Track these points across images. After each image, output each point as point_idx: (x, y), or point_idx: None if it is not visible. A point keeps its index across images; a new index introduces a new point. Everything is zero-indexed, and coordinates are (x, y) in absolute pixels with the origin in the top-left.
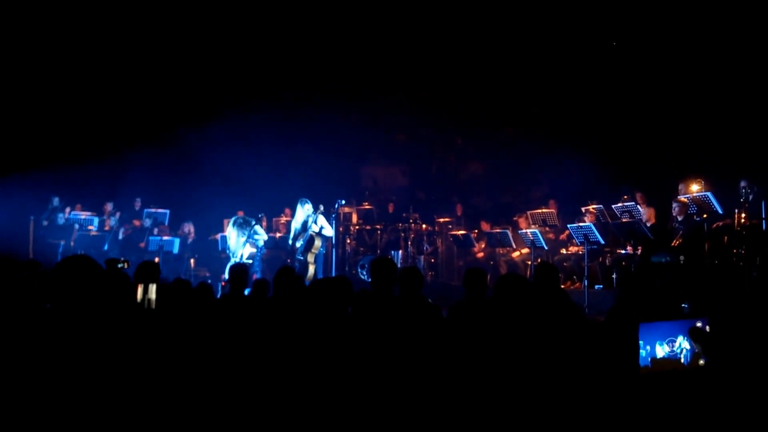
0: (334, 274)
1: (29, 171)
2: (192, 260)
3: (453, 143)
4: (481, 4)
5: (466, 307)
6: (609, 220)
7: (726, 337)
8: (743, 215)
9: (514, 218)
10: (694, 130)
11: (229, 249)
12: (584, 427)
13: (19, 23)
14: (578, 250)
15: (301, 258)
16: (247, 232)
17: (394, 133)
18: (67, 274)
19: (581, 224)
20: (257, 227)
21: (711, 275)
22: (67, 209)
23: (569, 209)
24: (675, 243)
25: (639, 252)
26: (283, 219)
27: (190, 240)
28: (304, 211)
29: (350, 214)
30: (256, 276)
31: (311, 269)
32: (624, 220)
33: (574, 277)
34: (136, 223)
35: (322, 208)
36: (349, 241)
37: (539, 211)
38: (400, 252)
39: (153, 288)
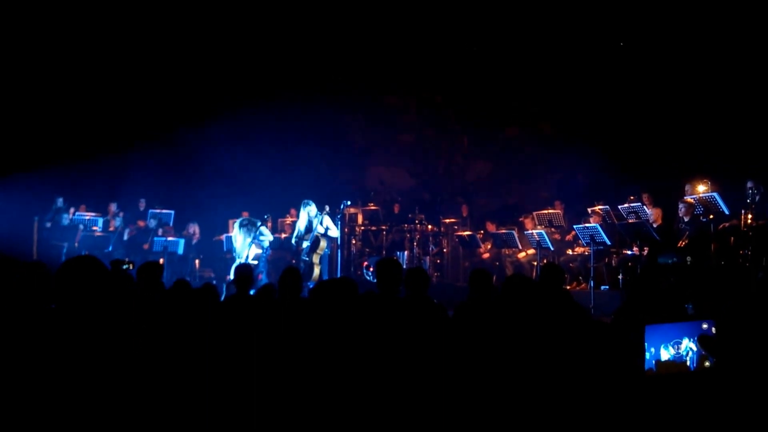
0: (339, 275)
1: (33, 171)
2: (197, 261)
3: (459, 144)
4: (488, 4)
5: (471, 308)
6: (615, 220)
7: (732, 338)
8: (750, 216)
9: (520, 219)
10: (700, 131)
11: (235, 250)
12: (588, 429)
13: (23, 24)
14: (584, 251)
15: (306, 259)
16: (252, 233)
17: (399, 134)
18: (72, 274)
19: (587, 225)
20: (263, 228)
21: (717, 276)
22: (71, 210)
23: (575, 210)
24: (681, 244)
25: (645, 253)
26: (289, 220)
27: (194, 241)
28: (307, 213)
29: (356, 214)
30: (261, 276)
31: (316, 270)
32: (630, 220)
33: (580, 278)
34: (141, 223)
35: (327, 208)
36: (354, 241)
37: (545, 211)
38: (406, 253)
39: None
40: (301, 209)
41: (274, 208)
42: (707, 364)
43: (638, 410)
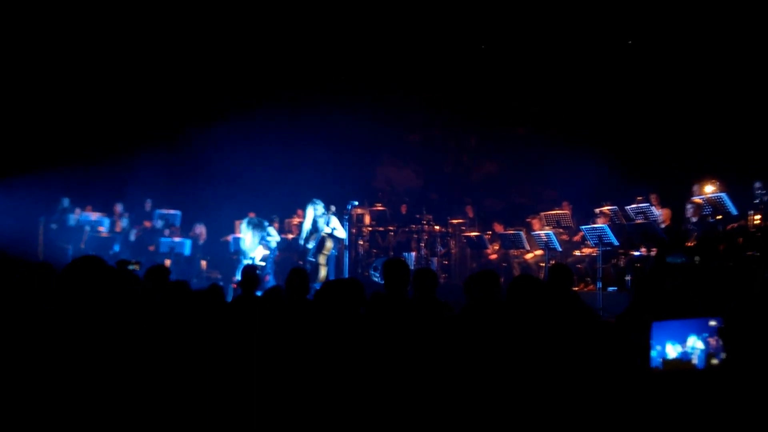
0: (346, 276)
1: (38, 172)
2: (203, 262)
3: (466, 144)
4: (496, 2)
5: (477, 309)
6: (623, 221)
7: (738, 338)
8: (758, 216)
9: (528, 219)
10: (708, 131)
11: (243, 251)
12: (595, 429)
13: (29, 25)
14: (592, 252)
15: (313, 260)
16: (260, 233)
17: (407, 134)
18: (78, 275)
19: (595, 226)
20: (270, 229)
21: (725, 277)
22: (77, 210)
23: (583, 210)
24: (689, 244)
25: (653, 253)
26: (296, 220)
27: (201, 241)
28: (313, 211)
29: (363, 215)
30: (269, 278)
31: (323, 271)
32: (638, 221)
33: (588, 278)
34: (147, 224)
35: (333, 209)
36: (361, 242)
37: (553, 212)
38: (413, 253)
39: None
40: (309, 207)
41: (281, 208)
42: (715, 361)
43: (645, 409)
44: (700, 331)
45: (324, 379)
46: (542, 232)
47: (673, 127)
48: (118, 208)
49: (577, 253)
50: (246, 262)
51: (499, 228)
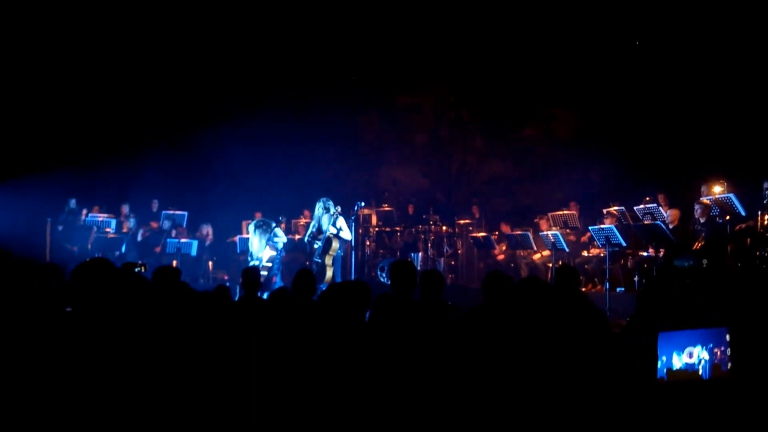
0: (353, 277)
1: (45, 173)
2: (210, 263)
3: (473, 144)
4: (503, 4)
5: (484, 311)
6: (631, 222)
7: (744, 340)
8: (766, 217)
9: (535, 220)
10: (717, 131)
11: (250, 252)
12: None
13: (35, 27)
14: (600, 253)
15: (319, 260)
16: (267, 234)
17: (413, 134)
18: (85, 277)
19: (603, 226)
20: (277, 230)
21: (733, 278)
22: (84, 211)
23: (590, 211)
24: (697, 245)
25: (661, 254)
26: (302, 221)
27: (208, 242)
28: (322, 208)
29: (369, 215)
30: (276, 279)
31: (329, 272)
32: (646, 222)
33: (596, 279)
34: (154, 225)
35: (339, 209)
36: (368, 243)
37: (560, 212)
38: (420, 254)
39: None
40: (318, 204)
41: (287, 209)
42: (721, 372)
43: (650, 419)
44: (707, 342)
45: (325, 380)
46: (549, 233)
47: (681, 127)
48: (125, 209)
49: (584, 253)
50: (253, 263)
51: (506, 228)
